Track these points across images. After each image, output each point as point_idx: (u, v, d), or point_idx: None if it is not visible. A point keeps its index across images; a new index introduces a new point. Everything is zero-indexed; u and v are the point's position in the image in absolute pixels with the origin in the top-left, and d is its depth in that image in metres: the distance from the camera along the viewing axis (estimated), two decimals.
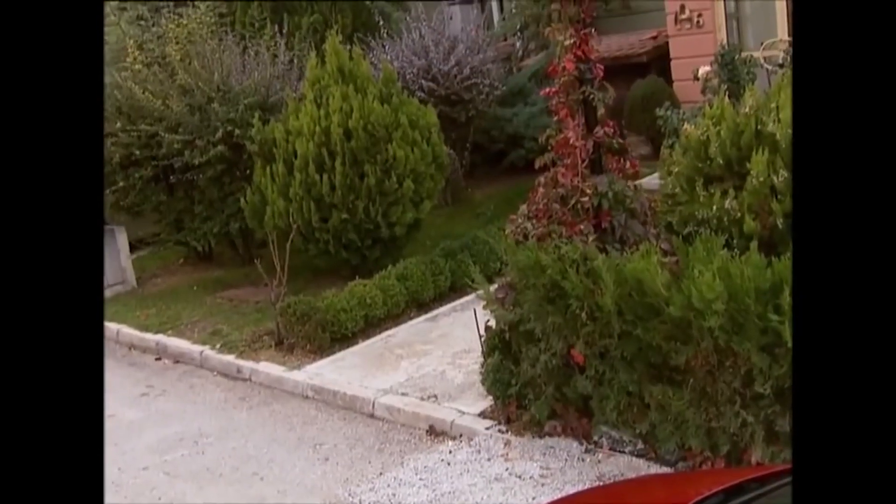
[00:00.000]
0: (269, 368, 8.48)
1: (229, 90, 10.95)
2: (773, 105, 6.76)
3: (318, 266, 10.56)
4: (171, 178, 11.18)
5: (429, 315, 9.32)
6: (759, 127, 6.66)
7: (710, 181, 6.81)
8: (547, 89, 6.61)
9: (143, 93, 10.69)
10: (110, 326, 10.22)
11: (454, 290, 9.59)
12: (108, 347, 9.93)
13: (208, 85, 10.86)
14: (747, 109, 6.79)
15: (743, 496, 3.56)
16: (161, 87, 10.88)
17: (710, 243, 5.52)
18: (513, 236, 6.40)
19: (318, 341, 8.58)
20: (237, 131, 10.52)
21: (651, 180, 9.48)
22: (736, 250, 5.61)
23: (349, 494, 6.15)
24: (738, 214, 6.41)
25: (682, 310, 5.30)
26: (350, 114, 9.73)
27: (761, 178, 6.41)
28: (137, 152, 10.89)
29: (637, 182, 6.84)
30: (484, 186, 13.89)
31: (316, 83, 10.12)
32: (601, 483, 5.77)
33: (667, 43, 13.96)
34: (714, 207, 6.54)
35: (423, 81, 12.81)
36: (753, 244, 5.42)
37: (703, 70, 11.34)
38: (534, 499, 5.71)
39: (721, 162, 6.77)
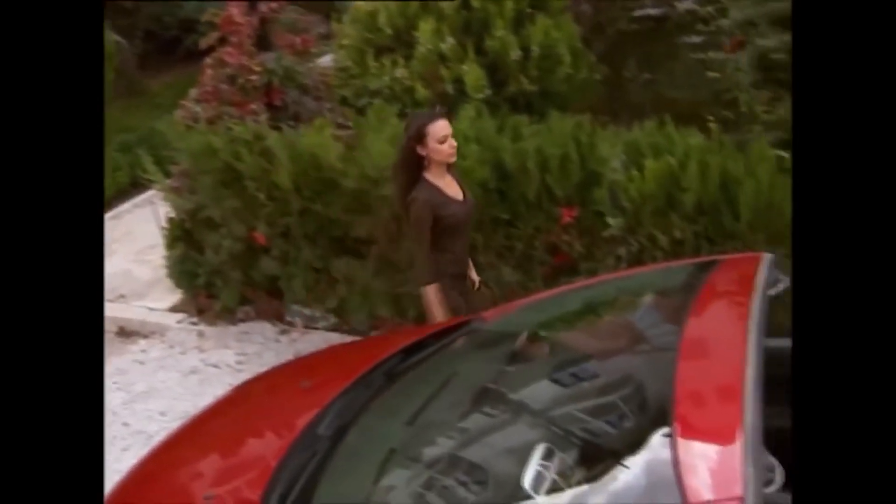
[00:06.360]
0: None
1: None
2: None
3: None
4: None
5: (111, 213, 8.83)
6: None
7: (380, 52, 6.81)
8: None
9: None
10: None
11: (135, 186, 9.14)
12: None
13: None
14: None
15: (424, 351, 3.76)
16: None
17: (382, 112, 5.57)
18: (183, 121, 6.14)
19: None
20: None
21: (328, 59, 9.39)
22: None
23: None
24: (409, 83, 6.47)
25: (358, 180, 5.33)
26: None
27: (429, 46, 6.48)
28: None
29: (317, 60, 6.74)
30: (161, 75, 13.21)
31: None
32: None
33: None
34: (386, 78, 6.56)
35: None
36: None
37: None
38: (231, 385, 5.65)
39: (390, 32, 6.77)
